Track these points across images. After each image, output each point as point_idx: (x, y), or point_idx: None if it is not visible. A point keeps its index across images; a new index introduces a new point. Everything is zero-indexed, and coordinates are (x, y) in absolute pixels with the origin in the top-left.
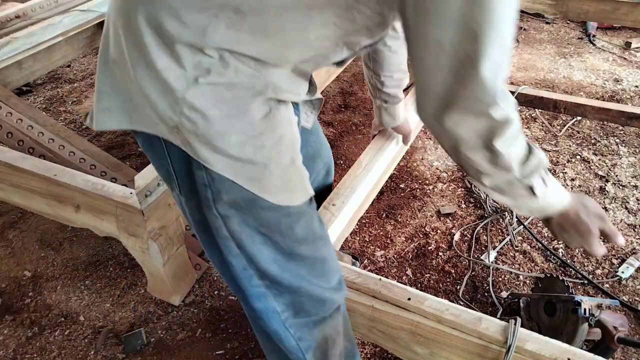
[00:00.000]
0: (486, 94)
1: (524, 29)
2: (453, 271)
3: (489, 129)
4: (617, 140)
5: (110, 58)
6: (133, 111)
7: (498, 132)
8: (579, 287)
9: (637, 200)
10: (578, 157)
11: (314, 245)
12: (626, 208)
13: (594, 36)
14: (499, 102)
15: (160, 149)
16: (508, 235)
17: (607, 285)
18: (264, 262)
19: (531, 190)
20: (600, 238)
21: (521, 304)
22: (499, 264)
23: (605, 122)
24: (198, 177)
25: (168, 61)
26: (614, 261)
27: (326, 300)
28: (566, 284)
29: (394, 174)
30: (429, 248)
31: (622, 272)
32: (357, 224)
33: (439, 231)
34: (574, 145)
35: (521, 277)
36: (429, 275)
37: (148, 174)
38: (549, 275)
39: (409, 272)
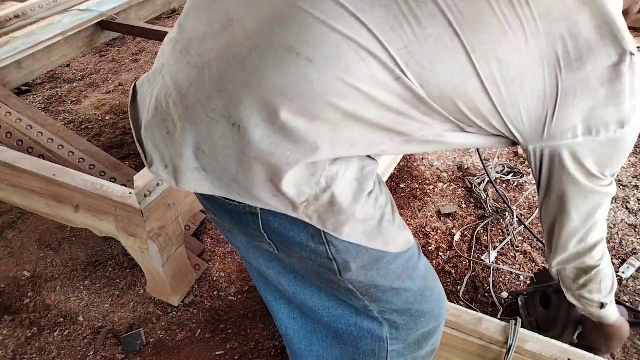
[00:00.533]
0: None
1: None
2: (453, 271)
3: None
4: None
5: (219, 112)
6: (234, 180)
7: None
8: None
9: (638, 200)
10: None
11: (433, 272)
12: (627, 208)
13: None
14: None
15: (250, 216)
16: (509, 235)
17: None
18: (393, 307)
19: (602, 305)
20: None
21: (520, 302)
22: (499, 265)
23: None
24: (320, 251)
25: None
26: (615, 261)
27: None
28: None
29: (394, 174)
30: (430, 248)
31: (623, 273)
32: None
33: (439, 231)
34: None
35: (522, 277)
36: None
37: (147, 174)
38: (543, 268)
39: None
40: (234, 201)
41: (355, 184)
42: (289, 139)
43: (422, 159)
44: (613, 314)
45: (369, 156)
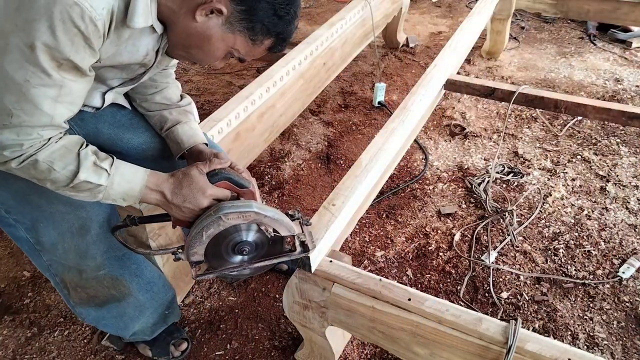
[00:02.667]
0: None
1: (525, 29)
2: (453, 272)
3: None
4: (618, 140)
5: None
6: None
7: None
8: (579, 287)
9: (638, 200)
10: (579, 157)
11: (47, 199)
12: (627, 208)
13: (594, 36)
14: None
15: None
16: (508, 235)
17: (608, 286)
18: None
19: (89, 182)
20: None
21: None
22: (499, 265)
23: (606, 122)
24: None
25: None
26: (615, 261)
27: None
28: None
29: (394, 174)
30: (430, 248)
31: (623, 273)
32: (357, 224)
33: (439, 231)
34: (574, 145)
35: (522, 277)
36: (429, 275)
37: None
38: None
39: (409, 272)
40: None
41: None
42: None
43: (422, 159)
44: (133, 178)
45: None
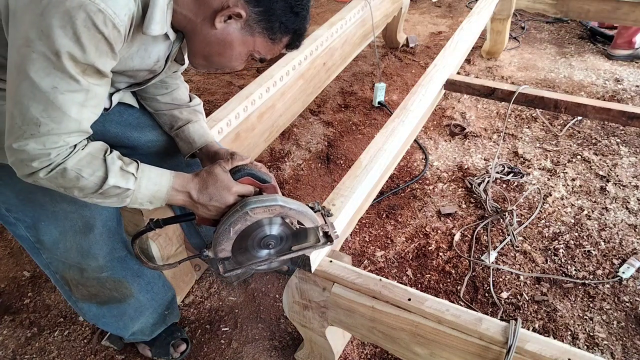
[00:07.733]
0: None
1: (525, 29)
2: (453, 272)
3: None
4: (618, 140)
5: None
6: None
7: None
8: (579, 287)
9: (638, 200)
10: (579, 157)
11: (51, 198)
12: (627, 208)
13: (594, 36)
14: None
15: None
16: (508, 235)
17: (608, 286)
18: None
19: (118, 187)
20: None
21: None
22: (499, 265)
23: (606, 122)
24: None
25: None
26: (615, 261)
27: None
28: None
29: (394, 174)
30: (430, 248)
31: (623, 273)
32: (357, 224)
33: (439, 231)
34: (574, 145)
35: (522, 277)
36: (429, 275)
37: None
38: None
39: (409, 272)
40: None
41: None
42: None
43: (422, 159)
44: (159, 180)
45: None
